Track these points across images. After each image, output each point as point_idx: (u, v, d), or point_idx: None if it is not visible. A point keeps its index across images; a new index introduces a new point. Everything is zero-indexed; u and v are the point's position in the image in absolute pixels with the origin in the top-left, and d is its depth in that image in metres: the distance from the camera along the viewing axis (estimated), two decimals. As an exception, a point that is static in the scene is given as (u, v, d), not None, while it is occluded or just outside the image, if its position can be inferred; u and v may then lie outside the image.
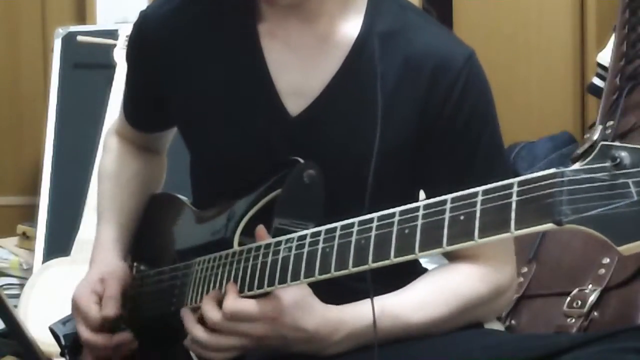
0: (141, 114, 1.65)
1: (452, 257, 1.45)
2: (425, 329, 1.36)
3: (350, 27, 1.42)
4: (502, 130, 1.45)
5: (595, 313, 1.79)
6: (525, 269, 1.99)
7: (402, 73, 1.39)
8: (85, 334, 1.51)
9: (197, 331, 1.33)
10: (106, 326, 1.50)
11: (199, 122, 1.49)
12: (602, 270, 1.83)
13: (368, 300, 1.32)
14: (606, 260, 1.84)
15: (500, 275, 1.42)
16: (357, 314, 1.31)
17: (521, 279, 1.97)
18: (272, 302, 1.28)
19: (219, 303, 1.31)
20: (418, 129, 1.40)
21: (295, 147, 1.39)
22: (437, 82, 1.39)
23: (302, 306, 1.29)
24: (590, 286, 1.82)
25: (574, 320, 1.80)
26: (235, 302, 1.29)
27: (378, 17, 1.41)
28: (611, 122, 2.19)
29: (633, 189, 0.95)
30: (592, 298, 1.80)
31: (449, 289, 1.39)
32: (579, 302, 1.81)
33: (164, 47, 1.50)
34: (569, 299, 1.83)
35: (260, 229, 1.34)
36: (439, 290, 1.39)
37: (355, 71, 1.41)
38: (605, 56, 2.45)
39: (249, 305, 1.28)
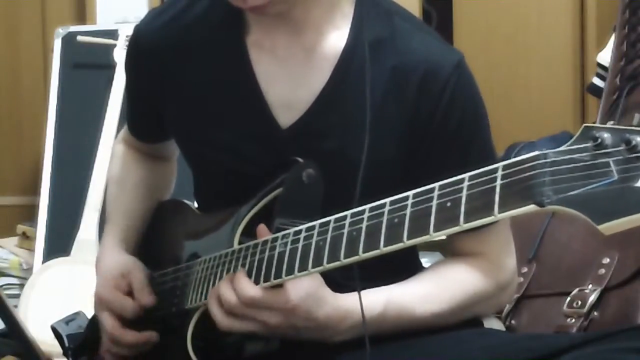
0: (143, 126, 1.66)
1: (453, 254, 1.45)
2: (430, 321, 1.37)
3: (338, 36, 1.42)
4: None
5: (595, 313, 1.79)
6: (525, 269, 1.99)
7: (390, 82, 1.39)
8: (115, 330, 1.50)
9: (216, 311, 1.33)
10: (136, 320, 1.51)
11: (193, 135, 1.50)
12: (602, 270, 1.83)
13: (375, 290, 1.34)
14: (606, 260, 1.84)
15: (501, 271, 1.44)
16: (366, 304, 1.31)
17: (521, 279, 1.97)
18: (286, 293, 1.28)
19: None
20: (409, 137, 1.40)
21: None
22: (426, 89, 1.38)
23: (314, 297, 1.30)
24: (590, 286, 1.82)
25: (574, 320, 1.80)
26: (254, 289, 1.29)
27: (365, 25, 1.40)
28: (611, 122, 2.19)
29: (614, 168, 0.95)
30: (592, 298, 1.80)
31: (453, 283, 1.40)
32: (579, 302, 1.81)
33: (158, 60, 1.50)
34: (569, 299, 1.83)
35: (261, 228, 1.34)
36: (444, 284, 1.40)
37: (344, 82, 1.40)
38: (605, 56, 2.45)
39: (266, 294, 1.29)
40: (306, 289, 1.29)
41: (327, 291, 1.32)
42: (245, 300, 1.29)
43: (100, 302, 1.54)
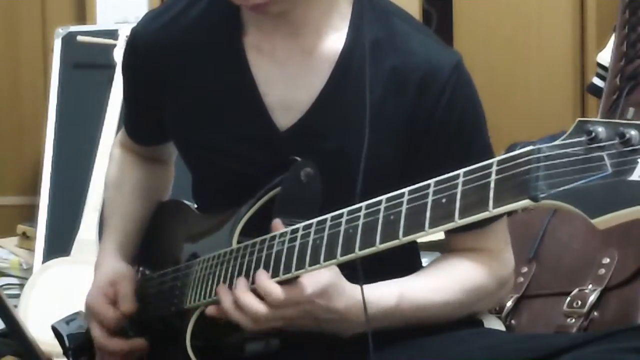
0: (140, 129, 1.66)
1: (454, 250, 1.46)
2: (440, 314, 1.38)
3: (336, 37, 1.41)
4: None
5: (595, 313, 1.79)
6: (525, 269, 1.99)
7: (389, 82, 1.39)
8: (102, 339, 1.52)
9: (238, 316, 1.31)
10: (122, 329, 1.52)
11: (191, 136, 1.50)
12: (602, 270, 1.83)
13: (387, 283, 1.35)
14: (606, 260, 1.84)
15: (502, 266, 1.45)
16: (382, 295, 1.33)
17: (521, 279, 1.97)
18: (302, 287, 1.27)
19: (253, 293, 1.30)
20: (408, 138, 1.40)
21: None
22: (425, 91, 1.39)
23: (333, 287, 1.29)
24: (590, 286, 1.82)
25: (574, 320, 1.80)
26: (278, 288, 1.27)
27: (363, 25, 1.40)
28: (611, 122, 2.18)
29: (607, 162, 0.95)
30: (592, 298, 1.79)
31: (461, 275, 1.41)
32: (579, 302, 1.81)
33: (156, 63, 1.50)
34: (569, 299, 1.83)
35: (276, 222, 1.33)
36: (452, 276, 1.41)
37: (343, 83, 1.40)
38: (605, 56, 2.44)
39: (286, 291, 1.27)
40: (324, 281, 1.28)
41: (345, 282, 1.32)
42: (274, 303, 1.27)
43: (89, 312, 1.55)
